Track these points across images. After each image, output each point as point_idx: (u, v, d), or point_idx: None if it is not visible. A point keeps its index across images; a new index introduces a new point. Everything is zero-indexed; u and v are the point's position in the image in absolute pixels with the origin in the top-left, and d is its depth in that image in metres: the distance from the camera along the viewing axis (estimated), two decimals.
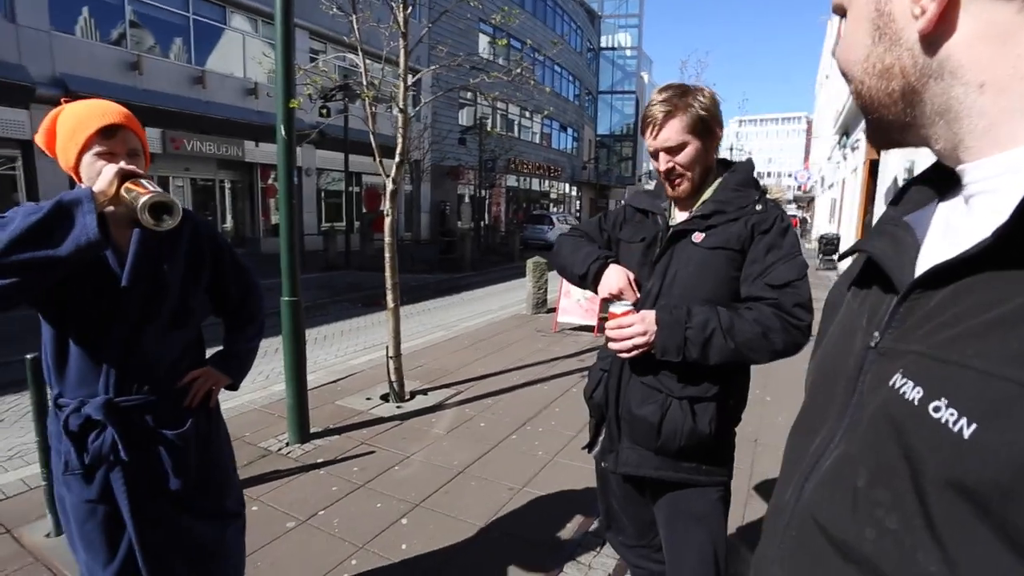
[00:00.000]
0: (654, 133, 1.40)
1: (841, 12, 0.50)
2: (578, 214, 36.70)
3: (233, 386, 1.67)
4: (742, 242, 1.38)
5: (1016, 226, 0.34)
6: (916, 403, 0.37)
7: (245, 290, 1.68)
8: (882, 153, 9.67)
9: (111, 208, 1.27)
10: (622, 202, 1.73)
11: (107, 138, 1.31)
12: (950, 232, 0.45)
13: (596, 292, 1.52)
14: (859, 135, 13.23)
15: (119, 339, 1.34)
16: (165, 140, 13.49)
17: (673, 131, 1.38)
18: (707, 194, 1.46)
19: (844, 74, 0.50)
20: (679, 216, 1.52)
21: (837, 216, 18.85)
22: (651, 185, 1.58)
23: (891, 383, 0.40)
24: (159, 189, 1.25)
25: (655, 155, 1.44)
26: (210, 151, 14.64)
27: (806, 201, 40.32)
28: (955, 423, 0.34)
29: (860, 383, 0.45)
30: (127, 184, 1.24)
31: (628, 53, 44.30)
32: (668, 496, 1.49)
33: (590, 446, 1.66)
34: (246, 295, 1.69)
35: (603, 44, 42.92)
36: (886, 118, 0.47)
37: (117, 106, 1.37)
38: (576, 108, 36.58)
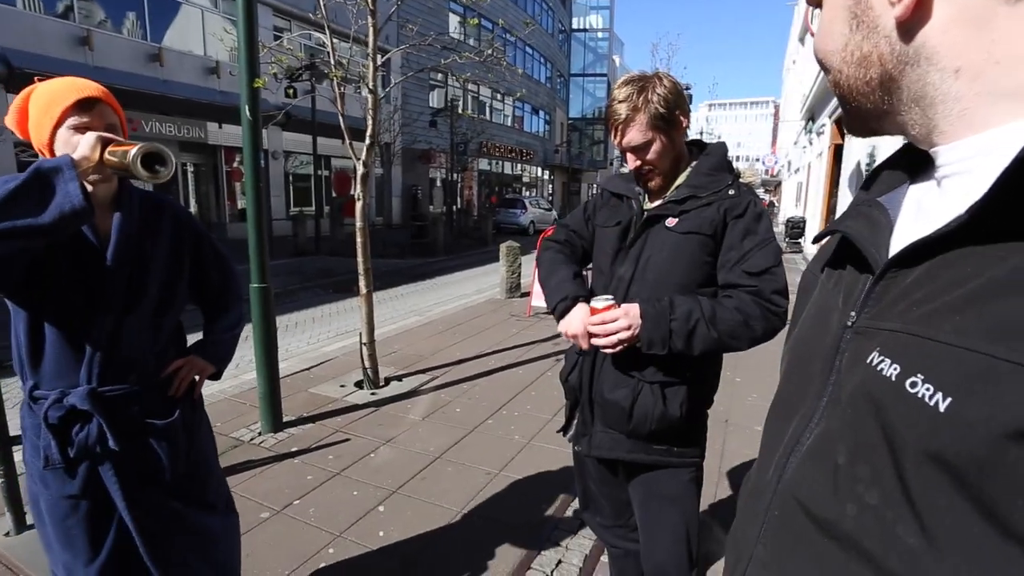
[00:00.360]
0: (618, 136, 1.42)
1: (816, 3, 0.50)
2: (551, 198, 36.71)
3: (217, 375, 1.64)
4: (714, 227, 1.39)
5: (991, 203, 0.35)
6: (893, 379, 0.38)
7: (225, 277, 1.66)
8: (846, 138, 9.90)
9: (94, 179, 1.21)
10: (595, 186, 1.73)
11: (84, 111, 1.26)
12: (922, 213, 0.46)
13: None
14: (824, 120, 13.51)
15: (104, 327, 1.30)
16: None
17: (637, 130, 1.39)
18: (680, 179, 1.47)
19: (822, 64, 0.50)
20: (653, 202, 1.52)
21: (803, 200, 19.30)
22: (626, 168, 1.57)
23: (868, 361, 0.41)
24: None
25: (623, 153, 1.45)
26: (170, 133, 14.08)
27: (773, 185, 41.17)
28: (931, 398, 0.35)
29: (837, 363, 0.46)
30: (110, 147, 1.19)
31: (600, 35, 44.10)
32: (641, 477, 1.52)
33: (565, 428, 1.68)
34: (226, 282, 1.66)
35: (575, 26, 42.63)
36: (864, 106, 0.47)
37: (93, 82, 1.32)
38: (548, 91, 36.35)
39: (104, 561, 1.36)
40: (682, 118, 1.41)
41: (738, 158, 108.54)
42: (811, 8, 0.53)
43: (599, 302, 1.36)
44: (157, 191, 1.55)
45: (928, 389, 0.36)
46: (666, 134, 1.40)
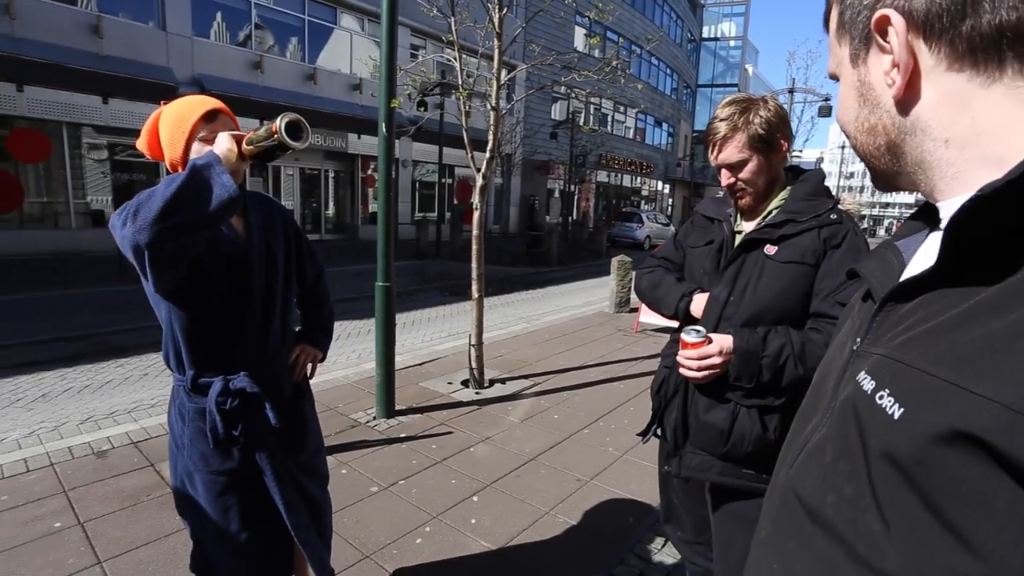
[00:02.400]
0: (715, 152, 1.46)
1: (835, 78, 0.58)
2: (669, 212, 35.59)
3: (323, 359, 1.80)
4: (816, 256, 1.38)
5: (946, 257, 0.43)
6: (869, 393, 0.46)
7: (318, 271, 1.80)
8: None
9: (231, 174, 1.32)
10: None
11: (210, 122, 1.41)
12: (927, 256, 0.53)
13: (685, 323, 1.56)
14: None
15: (255, 319, 1.48)
16: None
17: (734, 148, 1.42)
18: (775, 203, 1.48)
19: (843, 130, 0.59)
20: (745, 223, 1.54)
21: None
22: (720, 192, 1.60)
23: (857, 378, 0.49)
24: None
25: (718, 169, 1.48)
26: (318, 143, 15.79)
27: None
28: (890, 408, 0.43)
29: (843, 379, 0.53)
30: (244, 139, 1.31)
31: (732, 43, 42.08)
32: (723, 497, 1.52)
33: (644, 432, 1.73)
34: (319, 276, 1.81)
35: (705, 34, 41.08)
36: (879, 167, 0.56)
37: (210, 97, 1.47)
38: (673, 102, 35.37)
39: (252, 528, 1.53)
40: (782, 142, 1.42)
41: None
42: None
43: (690, 335, 1.37)
44: (267, 195, 1.75)
45: (890, 400, 0.43)
46: (763, 155, 1.41)
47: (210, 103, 1.43)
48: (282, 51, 15.16)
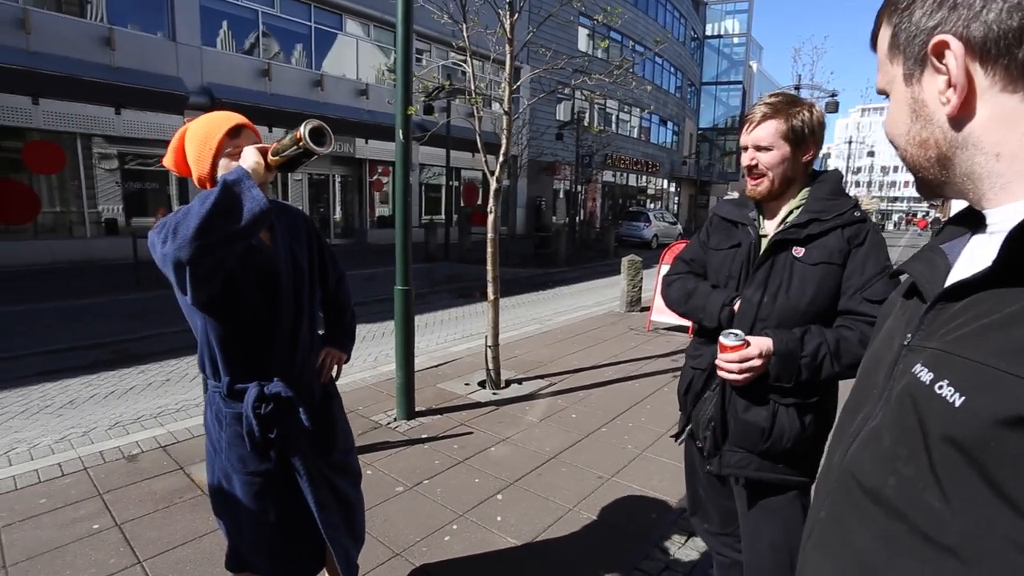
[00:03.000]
0: (750, 128, 1.50)
1: (884, 94, 0.63)
2: (676, 210, 35.54)
3: (347, 360, 1.85)
4: (843, 255, 1.42)
5: (1003, 261, 0.47)
6: (928, 383, 0.50)
7: (339, 275, 1.85)
8: None
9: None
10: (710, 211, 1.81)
11: (234, 138, 1.46)
12: (974, 259, 0.58)
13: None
14: None
15: (284, 327, 1.53)
16: None
17: (767, 131, 1.46)
18: (795, 202, 1.52)
19: (892, 142, 0.63)
20: (768, 225, 1.57)
21: None
22: (735, 193, 1.63)
23: (913, 370, 0.53)
24: None
25: (745, 148, 1.52)
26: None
27: (941, 200, 36.13)
28: (951, 396, 0.47)
29: (895, 372, 0.58)
30: (269, 150, 1.36)
31: (736, 40, 41.95)
32: (755, 491, 1.56)
33: (677, 435, 1.77)
34: (340, 279, 1.85)
35: (709, 32, 41.01)
36: (927, 178, 0.60)
37: (234, 113, 1.51)
38: (677, 101, 35.33)
39: (286, 527, 1.59)
40: (812, 144, 1.47)
41: (896, 168, 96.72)
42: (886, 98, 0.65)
43: (728, 338, 1.39)
44: (291, 205, 1.80)
45: (950, 390, 0.48)
46: (791, 147, 1.46)
47: (234, 119, 1.47)
48: (288, 58, 15.31)
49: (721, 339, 1.40)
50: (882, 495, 0.53)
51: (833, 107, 17.68)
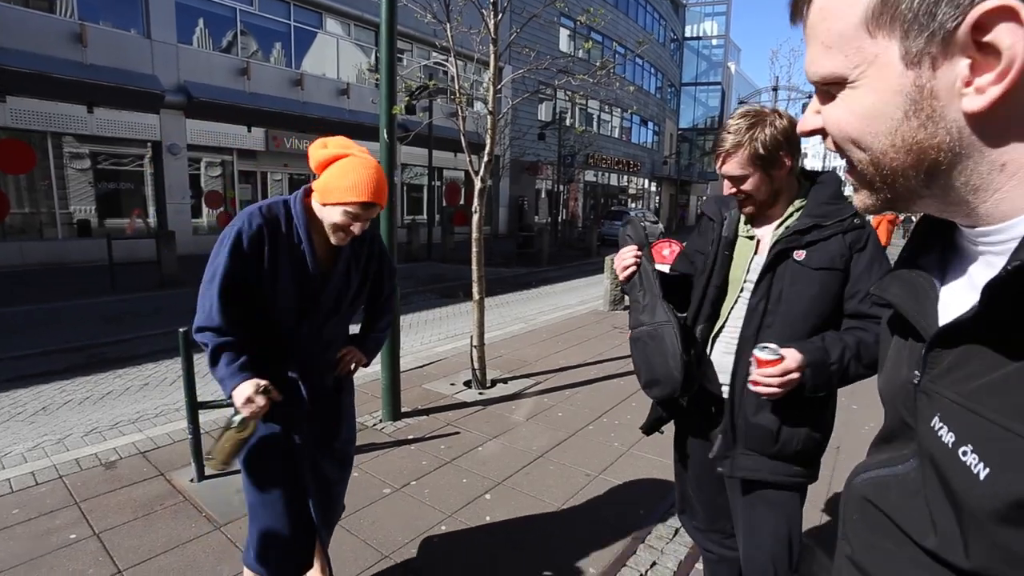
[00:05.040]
0: (719, 163, 1.51)
1: (831, 83, 0.49)
2: (657, 210, 35.85)
3: (367, 364, 1.95)
4: (844, 260, 1.42)
5: (997, 300, 0.40)
6: (950, 447, 0.44)
7: (392, 289, 1.98)
8: None
9: (327, 226, 1.60)
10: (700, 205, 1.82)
11: (363, 209, 1.55)
12: (972, 285, 0.49)
13: None
14: None
15: (312, 327, 1.67)
16: (268, 139, 14.67)
17: (735, 164, 1.47)
18: (794, 206, 1.52)
19: (854, 143, 0.49)
20: (757, 228, 1.58)
21: None
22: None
23: (932, 425, 0.46)
24: (241, 438, 1.55)
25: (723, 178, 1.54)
26: (306, 148, 15.69)
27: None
28: (975, 466, 0.41)
29: (915, 414, 0.51)
30: (242, 425, 1.54)
31: (714, 42, 42.53)
32: (755, 487, 1.57)
33: (648, 430, 1.84)
34: (391, 293, 1.98)
35: (688, 34, 41.47)
36: (898, 187, 0.49)
37: (384, 180, 1.58)
38: (658, 101, 35.67)
39: (290, 495, 1.71)
40: (785, 159, 1.46)
41: None
42: (827, 89, 0.51)
43: (764, 352, 1.36)
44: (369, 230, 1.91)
45: (974, 459, 0.41)
46: (764, 171, 1.46)
47: (380, 199, 1.56)
48: (268, 57, 15.09)
49: (757, 353, 1.38)
50: (924, 547, 0.48)
51: None
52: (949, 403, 0.45)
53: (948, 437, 0.44)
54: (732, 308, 1.58)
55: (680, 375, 1.48)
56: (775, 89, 18.52)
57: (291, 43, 15.47)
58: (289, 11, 15.27)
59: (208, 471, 2.90)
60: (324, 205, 1.58)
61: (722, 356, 1.59)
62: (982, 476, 0.40)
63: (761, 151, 1.42)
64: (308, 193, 1.66)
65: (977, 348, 0.44)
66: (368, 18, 16.03)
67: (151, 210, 13.13)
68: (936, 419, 0.46)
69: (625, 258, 1.63)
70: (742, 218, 1.60)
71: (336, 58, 16.64)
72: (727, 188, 1.54)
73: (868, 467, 0.59)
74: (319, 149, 1.61)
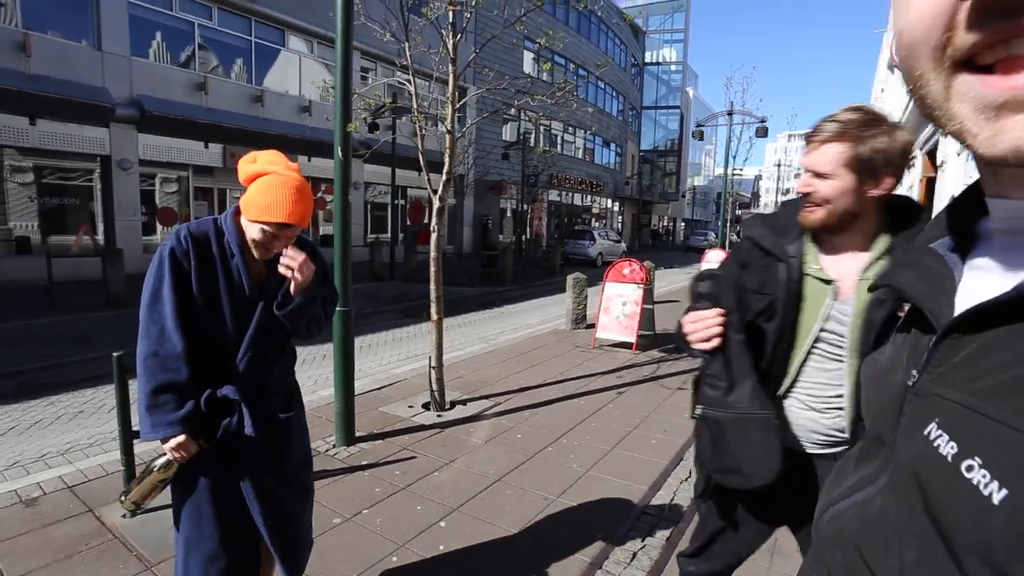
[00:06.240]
0: (809, 151, 1.26)
1: None
2: (620, 229, 36.48)
3: (309, 296, 1.63)
4: None
5: None
6: (950, 460, 0.35)
7: (330, 291, 1.87)
8: (939, 171, 9.33)
9: (249, 240, 1.58)
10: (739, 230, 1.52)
11: (280, 229, 1.53)
12: (1002, 271, 0.39)
13: None
14: (916, 152, 12.74)
15: (247, 344, 1.59)
16: (226, 156, 14.30)
17: (827, 157, 1.22)
18: (881, 243, 1.26)
19: (923, 64, 0.37)
20: (830, 262, 1.30)
21: None
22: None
23: (926, 433, 0.38)
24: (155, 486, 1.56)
25: (804, 169, 1.29)
26: None
27: None
28: (986, 486, 0.32)
29: (901, 424, 0.42)
30: (161, 476, 1.54)
31: (673, 68, 44.09)
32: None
33: (703, 495, 1.55)
34: (330, 295, 1.86)
35: (648, 59, 42.86)
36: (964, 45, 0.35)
37: (301, 205, 1.53)
38: (620, 123, 36.57)
39: (221, 534, 1.59)
40: (887, 178, 1.21)
41: None
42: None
43: None
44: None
45: (984, 476, 0.32)
46: (858, 179, 1.20)
47: (297, 219, 1.53)
48: (228, 72, 14.78)
49: None
50: None
51: (763, 132, 18.78)
52: (953, 406, 0.36)
53: (948, 448, 0.35)
54: (804, 363, 1.33)
55: (774, 476, 1.25)
56: (730, 113, 19.21)
57: (252, 59, 15.22)
58: (250, 27, 15.05)
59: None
60: (245, 213, 1.57)
61: (799, 413, 1.36)
62: (996, 499, 0.31)
63: (867, 152, 1.18)
64: (239, 212, 1.61)
65: (1008, 337, 0.34)
66: (331, 36, 15.86)
67: (99, 227, 12.56)
68: (933, 426, 0.37)
69: (706, 325, 1.27)
70: (814, 253, 1.32)
71: (299, 75, 16.45)
72: (802, 183, 1.28)
73: (837, 499, 0.50)
74: (248, 164, 1.57)
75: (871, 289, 0.54)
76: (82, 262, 9.95)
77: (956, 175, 7.91)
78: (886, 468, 0.43)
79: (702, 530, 1.64)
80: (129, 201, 12.64)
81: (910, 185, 13.88)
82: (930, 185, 11.01)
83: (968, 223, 0.45)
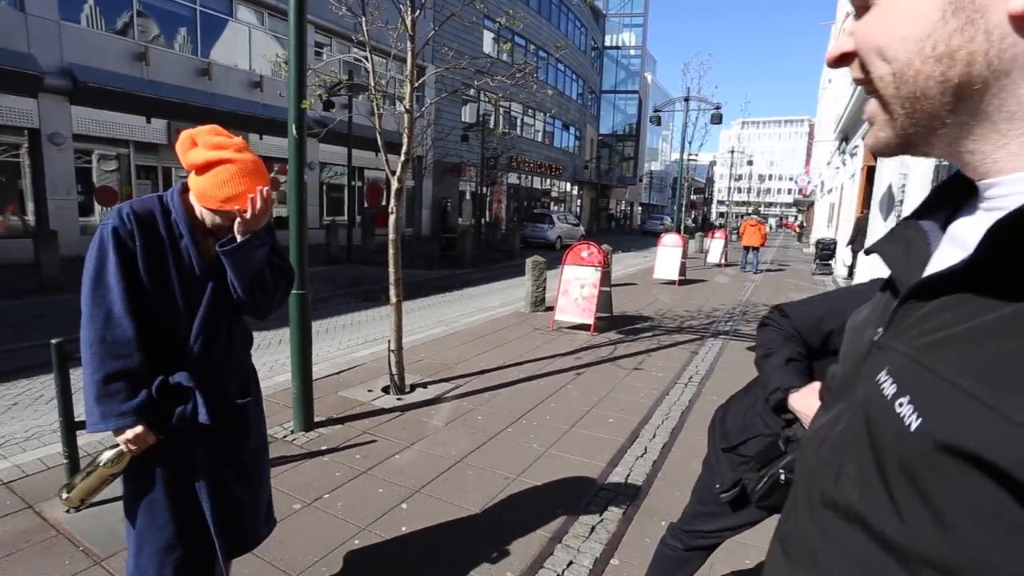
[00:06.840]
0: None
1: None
2: (579, 213, 36.79)
3: (263, 235, 1.61)
4: None
5: (983, 255, 0.37)
6: (889, 398, 0.42)
7: (286, 271, 1.80)
8: (879, 160, 9.79)
9: (207, 224, 1.53)
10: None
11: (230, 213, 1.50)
12: (963, 243, 0.44)
13: None
14: (858, 141, 13.34)
15: (198, 327, 1.53)
16: (170, 131, 13.57)
17: None
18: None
19: (880, 54, 0.43)
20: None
21: (835, 221, 18.98)
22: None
23: (877, 378, 0.45)
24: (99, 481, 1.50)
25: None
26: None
27: (806, 205, 40.49)
28: (908, 417, 0.39)
29: (863, 372, 0.49)
30: (111, 470, 1.48)
31: (632, 52, 44.36)
32: None
33: (727, 491, 1.63)
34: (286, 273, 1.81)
35: (607, 43, 42.96)
36: (918, 111, 0.42)
37: (263, 181, 1.53)
38: (579, 107, 36.65)
39: (176, 524, 1.54)
40: None
41: (771, 176, 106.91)
42: (844, 21, 0.48)
43: None
44: None
45: (909, 409, 0.40)
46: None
47: (243, 204, 1.49)
48: (171, 43, 13.98)
49: None
50: (848, 512, 0.47)
51: (718, 118, 19.18)
52: (900, 356, 0.43)
53: (890, 390, 0.42)
54: None
55: None
56: (687, 99, 19.54)
57: (197, 29, 14.42)
58: None
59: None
60: (201, 201, 1.50)
61: None
62: (913, 427, 0.39)
63: None
64: (186, 189, 1.53)
65: (952, 303, 0.41)
66: (283, 7, 15.26)
67: (29, 207, 11.76)
68: (883, 373, 0.44)
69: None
70: None
71: (248, 48, 15.71)
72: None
73: (811, 436, 0.57)
74: (189, 150, 1.47)
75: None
76: (10, 244, 9.31)
77: (893, 165, 8.34)
78: (849, 409, 0.50)
79: (706, 518, 1.73)
80: (63, 179, 11.86)
81: (852, 173, 14.55)
82: (871, 173, 11.58)
83: (958, 200, 0.49)
